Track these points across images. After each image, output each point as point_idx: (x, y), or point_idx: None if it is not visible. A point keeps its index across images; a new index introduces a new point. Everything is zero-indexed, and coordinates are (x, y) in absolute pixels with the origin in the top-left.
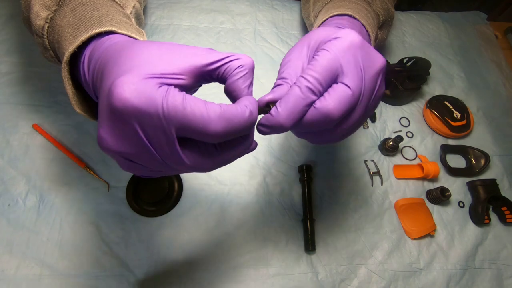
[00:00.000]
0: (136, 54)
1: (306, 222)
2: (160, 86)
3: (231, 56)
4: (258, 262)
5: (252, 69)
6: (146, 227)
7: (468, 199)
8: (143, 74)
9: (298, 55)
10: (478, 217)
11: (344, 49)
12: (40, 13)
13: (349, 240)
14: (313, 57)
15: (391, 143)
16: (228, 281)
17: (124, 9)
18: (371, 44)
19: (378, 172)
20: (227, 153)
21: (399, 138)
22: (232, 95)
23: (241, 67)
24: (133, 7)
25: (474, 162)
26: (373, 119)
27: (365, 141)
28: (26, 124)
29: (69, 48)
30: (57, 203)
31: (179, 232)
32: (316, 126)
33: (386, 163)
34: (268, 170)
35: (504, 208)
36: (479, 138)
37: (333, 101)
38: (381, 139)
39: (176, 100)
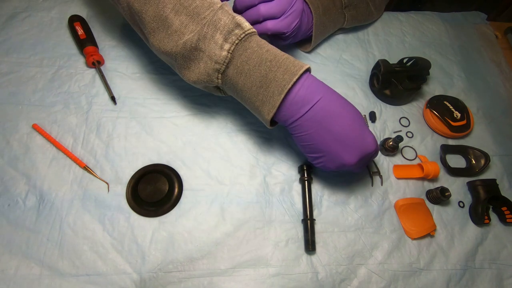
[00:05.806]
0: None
1: (306, 222)
2: None
3: None
4: (258, 262)
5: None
6: (146, 227)
7: (468, 199)
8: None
9: None
10: (478, 217)
11: None
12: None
13: (349, 240)
14: None
15: (391, 143)
16: (228, 281)
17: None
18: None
19: (378, 172)
20: None
21: (399, 138)
22: None
23: None
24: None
25: (474, 162)
26: (373, 119)
27: None
28: (26, 124)
29: (270, 115)
30: (57, 203)
31: (179, 232)
32: None
33: (386, 163)
34: (268, 170)
35: (504, 208)
36: (479, 138)
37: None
38: (381, 139)
39: None
